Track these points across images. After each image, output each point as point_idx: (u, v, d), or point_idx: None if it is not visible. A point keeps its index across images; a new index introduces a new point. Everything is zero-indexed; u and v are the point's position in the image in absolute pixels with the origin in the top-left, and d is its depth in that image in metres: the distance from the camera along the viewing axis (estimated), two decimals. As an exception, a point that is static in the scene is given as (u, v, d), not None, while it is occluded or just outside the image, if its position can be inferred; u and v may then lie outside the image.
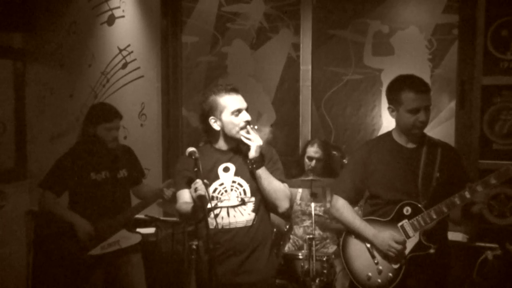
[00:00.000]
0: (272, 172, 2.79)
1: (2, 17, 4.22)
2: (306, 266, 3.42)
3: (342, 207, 2.85)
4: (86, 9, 4.55)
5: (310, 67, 4.18)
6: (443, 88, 3.92)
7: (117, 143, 3.48)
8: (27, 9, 4.41)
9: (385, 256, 2.70)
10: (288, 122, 4.36)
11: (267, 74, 4.39)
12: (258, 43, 4.37)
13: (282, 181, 2.80)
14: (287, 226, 3.94)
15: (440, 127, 3.91)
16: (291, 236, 3.88)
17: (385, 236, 2.67)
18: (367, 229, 2.75)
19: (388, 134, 2.86)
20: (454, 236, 3.58)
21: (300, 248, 3.78)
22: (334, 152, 3.96)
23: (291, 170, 3.92)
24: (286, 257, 3.59)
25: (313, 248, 3.39)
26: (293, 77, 4.29)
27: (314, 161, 3.80)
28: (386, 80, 3.95)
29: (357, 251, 2.80)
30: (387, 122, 3.95)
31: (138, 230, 3.64)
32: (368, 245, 2.76)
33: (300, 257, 3.51)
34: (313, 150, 3.82)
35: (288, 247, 3.81)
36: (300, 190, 3.91)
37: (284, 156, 4.13)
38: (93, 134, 3.41)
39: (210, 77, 4.51)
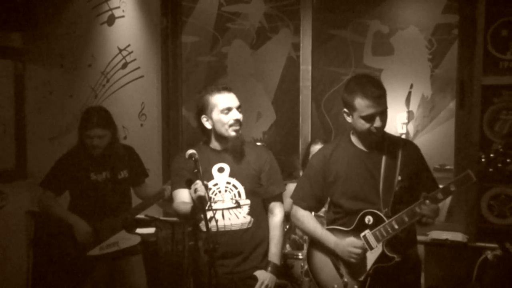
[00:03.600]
0: (271, 185, 2.84)
1: (2, 17, 4.22)
2: (306, 266, 3.41)
3: (303, 217, 2.77)
4: (86, 9, 4.54)
5: (310, 67, 4.16)
6: (443, 88, 3.92)
7: (100, 151, 3.41)
8: (27, 9, 4.40)
9: (349, 267, 2.62)
10: (288, 122, 4.36)
11: (267, 74, 4.39)
12: (258, 43, 4.38)
13: (281, 193, 2.89)
14: (287, 226, 3.94)
15: (440, 127, 3.91)
16: (292, 236, 3.87)
17: (345, 243, 2.59)
18: (329, 238, 2.66)
19: (347, 137, 2.70)
20: (454, 236, 3.59)
21: (300, 248, 3.78)
22: None
23: (290, 170, 3.91)
24: (286, 257, 3.59)
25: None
26: (293, 77, 4.28)
27: None
28: (386, 80, 3.93)
29: (322, 263, 2.72)
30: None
31: (138, 230, 3.63)
32: (333, 258, 2.68)
33: (300, 257, 3.51)
34: (319, 148, 3.80)
35: (288, 247, 3.81)
36: None
37: (284, 156, 4.14)
38: (79, 138, 3.41)
39: (210, 77, 4.51)
